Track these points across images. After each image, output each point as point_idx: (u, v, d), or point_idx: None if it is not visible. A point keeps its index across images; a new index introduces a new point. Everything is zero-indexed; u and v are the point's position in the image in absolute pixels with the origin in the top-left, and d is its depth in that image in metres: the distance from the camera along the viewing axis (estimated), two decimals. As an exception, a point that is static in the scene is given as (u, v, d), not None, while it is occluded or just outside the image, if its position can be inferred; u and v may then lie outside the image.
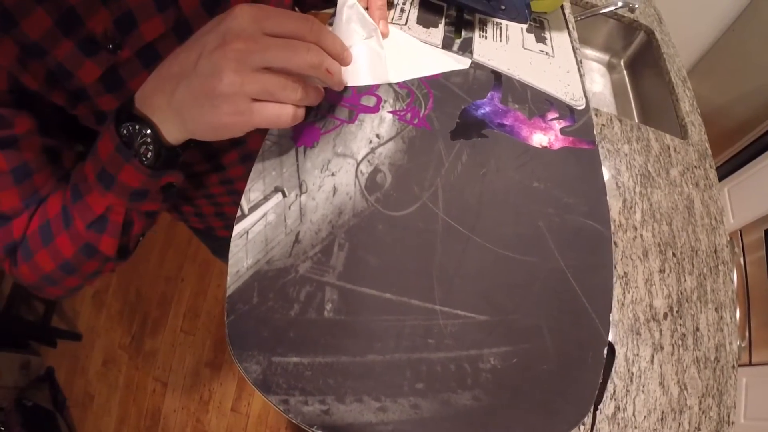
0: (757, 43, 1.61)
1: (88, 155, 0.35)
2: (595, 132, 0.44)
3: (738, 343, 1.32)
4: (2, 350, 1.41)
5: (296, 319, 0.30)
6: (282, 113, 0.30)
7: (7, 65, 0.31)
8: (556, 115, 0.44)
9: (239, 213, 0.34)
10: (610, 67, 1.31)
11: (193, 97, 0.29)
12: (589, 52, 1.31)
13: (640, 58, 1.26)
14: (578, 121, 0.45)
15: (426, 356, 0.30)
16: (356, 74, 0.40)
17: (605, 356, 0.33)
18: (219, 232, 0.72)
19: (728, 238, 0.96)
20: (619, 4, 1.13)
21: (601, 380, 0.71)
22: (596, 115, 0.97)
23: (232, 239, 0.33)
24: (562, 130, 0.43)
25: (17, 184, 0.35)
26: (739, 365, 1.30)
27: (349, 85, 0.40)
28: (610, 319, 0.78)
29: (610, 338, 0.76)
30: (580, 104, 0.46)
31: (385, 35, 0.42)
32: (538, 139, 0.41)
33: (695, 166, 1.02)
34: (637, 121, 1.20)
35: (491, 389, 0.29)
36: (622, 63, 1.29)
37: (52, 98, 0.35)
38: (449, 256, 0.33)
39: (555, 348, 0.32)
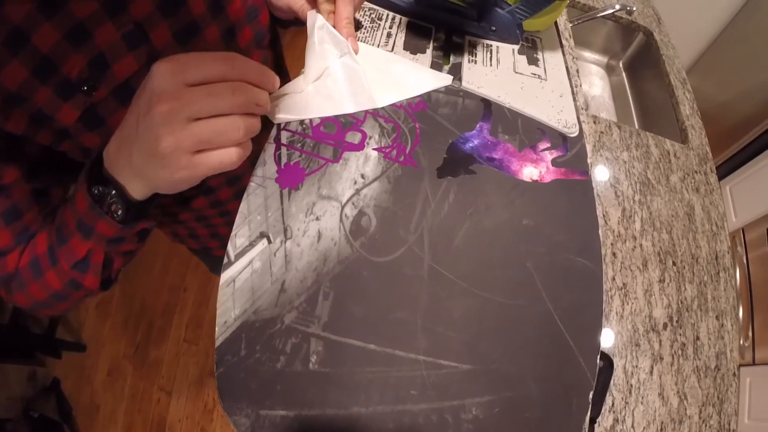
0: (759, 38, 1.58)
1: (68, 201, 0.37)
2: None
3: (741, 343, 1.31)
4: (9, 362, 1.42)
5: (283, 372, 0.30)
6: (224, 159, 0.30)
7: None
8: (548, 145, 0.44)
9: (226, 260, 0.34)
10: (609, 69, 1.29)
11: (145, 160, 0.30)
12: (588, 54, 1.29)
13: (639, 60, 1.24)
14: (571, 150, 0.44)
15: (409, 408, 0.30)
16: (341, 102, 0.40)
17: (590, 401, 0.33)
18: (215, 252, 0.73)
19: (729, 244, 0.95)
20: (617, 6, 1.11)
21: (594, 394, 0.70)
22: (595, 122, 0.96)
23: (219, 288, 0.33)
24: (554, 161, 0.43)
25: (8, 225, 0.38)
26: (743, 365, 1.29)
27: (333, 114, 0.40)
28: (611, 331, 0.77)
29: (609, 351, 0.76)
30: (573, 131, 0.45)
31: (355, 51, 0.42)
32: (529, 172, 0.41)
33: (696, 171, 1.01)
34: (636, 124, 1.18)
35: (475, 443, 0.29)
36: (621, 65, 1.27)
37: (37, 139, 0.36)
38: (434, 303, 0.33)
39: (539, 395, 0.32)
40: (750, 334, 1.31)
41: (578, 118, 0.46)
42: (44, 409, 1.40)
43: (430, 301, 0.33)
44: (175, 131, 0.28)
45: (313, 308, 0.32)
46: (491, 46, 0.50)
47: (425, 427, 0.29)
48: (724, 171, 1.57)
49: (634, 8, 1.13)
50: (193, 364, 1.49)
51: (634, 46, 1.25)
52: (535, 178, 0.41)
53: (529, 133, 0.43)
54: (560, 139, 0.44)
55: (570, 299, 0.36)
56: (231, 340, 0.31)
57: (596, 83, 1.27)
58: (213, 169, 0.30)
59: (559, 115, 0.46)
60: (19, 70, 0.31)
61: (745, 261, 1.40)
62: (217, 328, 0.31)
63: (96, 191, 0.33)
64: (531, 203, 0.39)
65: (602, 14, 1.11)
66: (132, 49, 0.36)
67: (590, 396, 0.33)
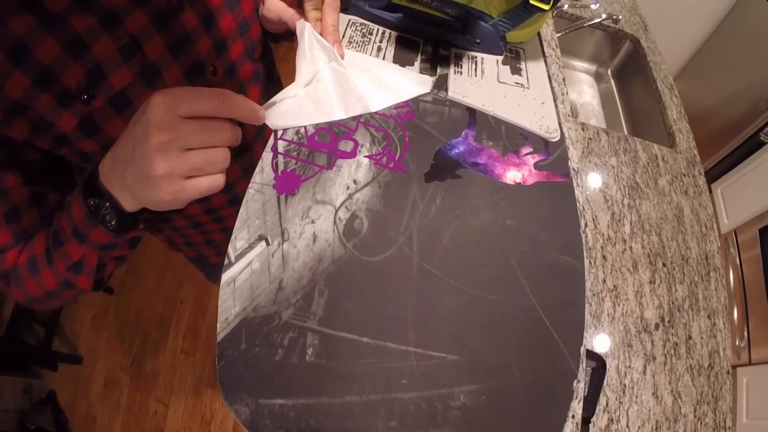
0: (745, 42, 1.63)
1: (65, 209, 0.40)
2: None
3: (737, 343, 1.32)
4: (4, 374, 1.43)
5: (281, 364, 0.32)
6: (213, 184, 0.35)
7: None
8: (531, 150, 0.46)
9: (226, 261, 0.36)
10: (598, 77, 1.32)
11: (138, 181, 0.33)
12: (577, 63, 1.33)
13: (627, 67, 1.28)
14: (553, 154, 0.47)
15: (400, 396, 0.32)
16: (330, 107, 0.43)
17: (575, 388, 0.35)
18: (211, 259, 0.75)
19: (719, 244, 0.97)
20: (604, 16, 1.15)
21: (585, 394, 0.71)
22: (583, 128, 0.99)
23: (220, 287, 0.35)
24: (536, 165, 0.45)
25: (8, 225, 0.41)
26: (739, 365, 1.30)
27: (324, 121, 0.43)
28: (603, 332, 0.79)
29: (601, 352, 0.77)
30: (554, 136, 0.48)
31: (341, 56, 0.45)
32: (512, 175, 0.43)
33: (684, 174, 1.03)
34: (625, 130, 1.21)
35: (460, 426, 0.31)
36: (609, 72, 1.31)
37: (38, 144, 0.39)
38: (423, 299, 0.35)
39: (524, 384, 0.34)
40: (745, 334, 1.32)
41: (560, 123, 0.49)
42: (40, 422, 1.40)
43: (419, 297, 0.35)
44: (169, 159, 0.32)
45: (309, 305, 0.34)
46: (476, 57, 0.53)
47: (415, 414, 0.31)
48: (715, 174, 1.60)
49: (620, 17, 1.16)
50: (190, 376, 1.50)
51: (621, 53, 1.29)
52: (518, 181, 0.43)
53: (512, 138, 0.46)
54: (542, 144, 0.46)
55: (553, 294, 0.38)
56: (231, 335, 0.33)
57: (586, 91, 1.30)
58: (201, 193, 0.34)
59: (541, 121, 0.48)
60: (22, 80, 0.34)
61: (738, 262, 1.42)
62: (218, 325, 0.33)
63: (92, 202, 0.36)
64: (514, 204, 0.41)
65: (589, 23, 1.15)
66: (127, 60, 0.38)
67: (574, 384, 0.35)
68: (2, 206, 0.40)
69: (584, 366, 0.52)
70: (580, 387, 0.51)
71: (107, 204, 0.36)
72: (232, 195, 0.58)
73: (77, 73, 0.36)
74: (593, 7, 1.16)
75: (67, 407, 1.51)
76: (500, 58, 0.54)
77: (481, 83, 0.50)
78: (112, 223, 0.37)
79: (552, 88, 0.53)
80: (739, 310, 1.35)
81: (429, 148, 0.43)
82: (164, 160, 0.31)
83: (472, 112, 0.47)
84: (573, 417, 0.48)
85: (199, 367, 1.52)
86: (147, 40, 0.39)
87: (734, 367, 1.29)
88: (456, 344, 0.34)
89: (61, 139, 0.39)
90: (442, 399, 0.32)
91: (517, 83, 0.52)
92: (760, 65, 1.53)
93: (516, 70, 0.54)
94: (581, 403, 0.50)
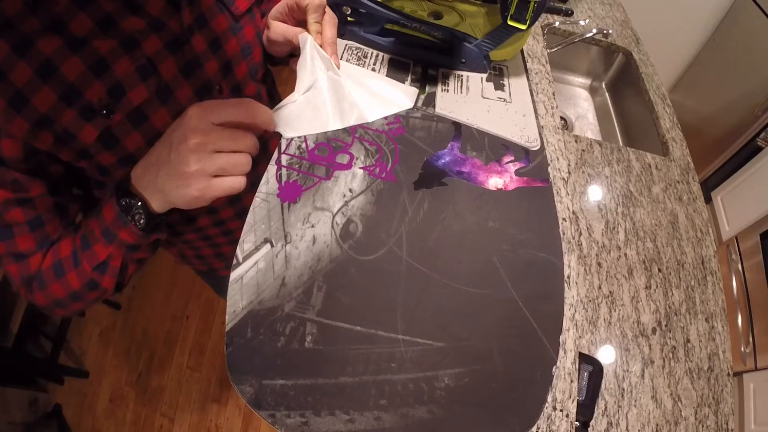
0: (738, 49, 1.66)
1: (93, 213, 0.45)
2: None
3: (742, 350, 1.32)
4: (10, 387, 1.44)
5: (282, 350, 0.36)
6: (235, 184, 0.40)
7: (22, 136, 0.39)
8: (512, 158, 0.50)
9: (235, 261, 0.40)
10: (593, 91, 1.37)
11: (171, 180, 0.38)
12: (573, 78, 1.38)
13: (621, 79, 1.32)
14: (533, 161, 0.51)
15: (389, 377, 0.35)
16: (326, 115, 0.48)
17: (553, 374, 0.38)
18: (220, 272, 0.79)
19: (715, 249, 0.99)
20: (594, 31, 1.20)
21: (582, 398, 0.74)
22: (576, 141, 1.03)
23: (229, 284, 0.39)
24: (517, 172, 0.49)
25: (32, 232, 0.44)
26: (745, 371, 1.30)
27: (322, 131, 0.48)
28: (600, 337, 0.81)
29: (598, 357, 0.79)
30: (534, 145, 0.52)
31: (337, 66, 0.50)
32: (494, 182, 0.47)
33: (678, 182, 1.06)
34: (621, 141, 1.25)
35: (444, 404, 0.35)
36: (603, 86, 1.35)
37: (60, 156, 0.43)
38: (411, 292, 0.39)
39: (504, 368, 0.37)
40: (750, 340, 1.32)
41: (539, 133, 0.53)
42: (45, 435, 1.42)
43: (407, 291, 0.39)
44: (202, 159, 0.37)
45: (308, 298, 0.38)
46: (462, 75, 0.58)
47: (403, 393, 0.35)
48: (714, 182, 1.62)
49: (611, 31, 1.21)
50: (195, 391, 1.53)
51: (614, 66, 1.33)
52: (500, 186, 0.47)
53: (495, 148, 0.50)
54: (523, 153, 0.51)
55: (532, 287, 0.41)
56: (239, 325, 0.37)
57: (581, 105, 1.34)
58: (224, 191, 0.39)
59: (522, 132, 0.52)
60: (49, 95, 0.38)
61: (740, 269, 1.43)
62: (227, 316, 0.37)
63: (123, 202, 0.41)
64: (496, 208, 0.45)
65: (580, 39, 1.20)
66: (144, 80, 0.43)
67: (553, 369, 0.38)
68: (27, 214, 0.43)
69: (577, 366, 0.54)
70: (574, 387, 0.53)
71: (138, 204, 0.41)
72: (239, 208, 0.63)
73: (99, 90, 0.40)
74: (582, 23, 1.21)
75: (72, 421, 1.52)
76: (484, 75, 0.59)
77: (467, 99, 0.55)
78: (141, 222, 0.42)
79: (533, 101, 0.58)
80: (743, 316, 1.36)
81: (418, 159, 0.47)
82: (197, 159, 0.37)
83: (457, 125, 0.51)
84: (556, 407, 0.50)
85: (205, 382, 1.54)
86: (161, 61, 0.44)
87: (740, 373, 1.29)
88: (441, 332, 0.38)
89: (82, 151, 0.43)
90: (428, 380, 0.36)
91: (500, 98, 0.56)
92: (753, 71, 1.56)
93: (499, 86, 0.58)
94: (574, 402, 0.52)
